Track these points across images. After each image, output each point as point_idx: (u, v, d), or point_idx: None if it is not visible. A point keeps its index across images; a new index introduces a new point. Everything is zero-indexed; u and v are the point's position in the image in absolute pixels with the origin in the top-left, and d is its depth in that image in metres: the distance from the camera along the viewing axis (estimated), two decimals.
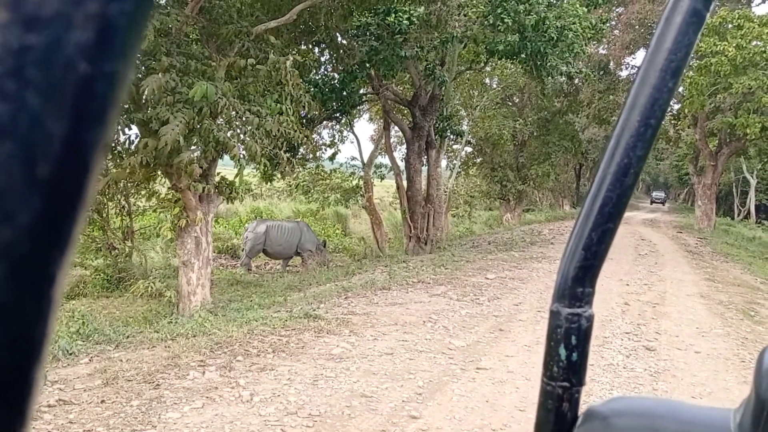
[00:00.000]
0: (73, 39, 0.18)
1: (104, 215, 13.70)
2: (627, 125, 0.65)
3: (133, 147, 9.16)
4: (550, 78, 15.31)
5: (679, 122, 28.28)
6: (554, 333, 0.67)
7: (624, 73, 30.82)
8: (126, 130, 8.94)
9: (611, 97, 28.65)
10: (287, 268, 16.43)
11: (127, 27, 0.19)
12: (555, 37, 13.74)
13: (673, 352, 7.48)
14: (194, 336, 7.29)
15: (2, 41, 0.18)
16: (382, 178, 22.66)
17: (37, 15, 0.18)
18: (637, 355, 7.27)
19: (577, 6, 14.40)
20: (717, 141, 26.63)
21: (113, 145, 9.02)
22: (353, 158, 23.05)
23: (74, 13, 0.18)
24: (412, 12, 11.80)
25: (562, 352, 0.66)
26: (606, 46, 28.03)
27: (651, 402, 0.71)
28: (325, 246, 17.23)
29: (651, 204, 56.50)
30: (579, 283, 0.67)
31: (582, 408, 0.67)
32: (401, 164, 19.00)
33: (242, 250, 16.42)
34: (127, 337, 7.41)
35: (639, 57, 30.90)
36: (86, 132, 0.19)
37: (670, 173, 59.04)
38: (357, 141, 30.10)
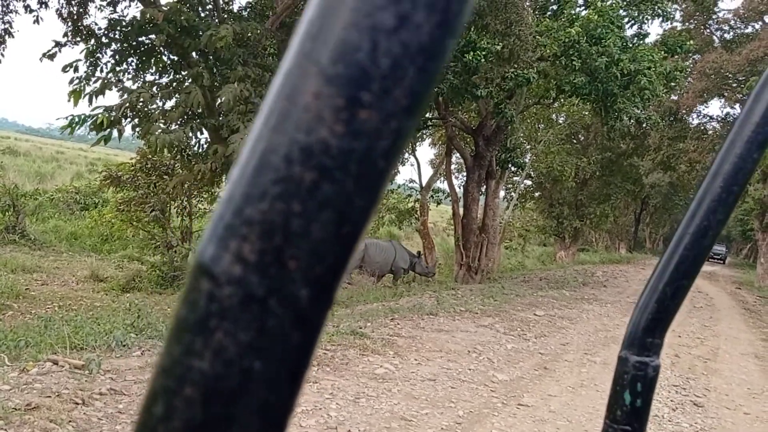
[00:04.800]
0: (379, 146, 0.26)
1: (166, 214, 14.09)
2: (710, 189, 0.68)
3: (202, 152, 9.45)
4: (618, 122, 15.10)
5: None
6: (621, 378, 0.71)
7: (695, 121, 30.21)
8: (198, 134, 9.22)
9: (680, 144, 28.08)
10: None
11: (407, 136, 0.26)
12: (626, 81, 13.60)
13: (721, 410, 7.27)
14: None
15: (338, 145, 0.26)
16: (438, 203, 22.68)
17: (362, 130, 0.25)
18: (683, 409, 7.10)
19: (654, 51, 14.24)
20: None
21: (184, 147, 9.31)
22: (412, 181, 23.14)
23: (383, 130, 0.25)
24: (489, 49, 11.78)
25: (627, 397, 0.70)
26: (678, 92, 27.54)
27: None
28: (419, 256, 17.43)
29: (707, 260, 46.41)
30: (649, 333, 0.70)
31: None
32: (459, 191, 19.01)
33: None
34: None
35: (712, 106, 30.32)
36: (372, 205, 0.27)
37: (734, 227, 56.83)
38: (417, 164, 30.18)
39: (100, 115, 8.18)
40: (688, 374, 8.71)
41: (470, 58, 11.83)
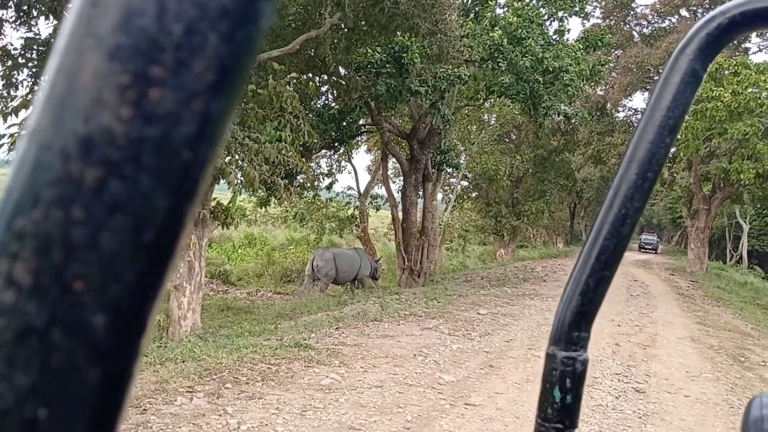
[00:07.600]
0: (180, 132, 0.21)
1: None
2: (625, 177, 0.67)
3: None
4: (546, 119, 15.45)
5: (674, 165, 28.47)
6: (550, 375, 0.68)
7: (621, 115, 31.13)
8: None
9: (608, 138, 28.86)
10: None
11: (220, 120, 0.21)
12: (551, 78, 13.90)
13: (662, 395, 7.45)
14: (183, 361, 7.23)
15: (126, 133, 0.21)
16: (377, 209, 22.71)
17: (155, 113, 0.20)
18: (626, 396, 7.24)
19: (576, 47, 14.63)
20: (711, 185, 26.81)
21: None
22: (350, 188, 23.12)
23: (183, 112, 0.21)
24: (419, 49, 11.86)
25: (557, 394, 0.67)
26: (604, 87, 28.35)
27: None
28: (378, 261, 18.31)
29: (639, 250, 44.55)
30: (575, 327, 0.68)
31: None
32: (397, 196, 19.08)
33: (307, 277, 16.57)
34: None
35: (636, 99, 31.29)
36: (183, 205, 0.21)
37: (664, 215, 58.51)
38: (354, 171, 30.17)
39: (15, 134, 7.91)
40: (629, 362, 8.90)
41: (406, 59, 11.88)
